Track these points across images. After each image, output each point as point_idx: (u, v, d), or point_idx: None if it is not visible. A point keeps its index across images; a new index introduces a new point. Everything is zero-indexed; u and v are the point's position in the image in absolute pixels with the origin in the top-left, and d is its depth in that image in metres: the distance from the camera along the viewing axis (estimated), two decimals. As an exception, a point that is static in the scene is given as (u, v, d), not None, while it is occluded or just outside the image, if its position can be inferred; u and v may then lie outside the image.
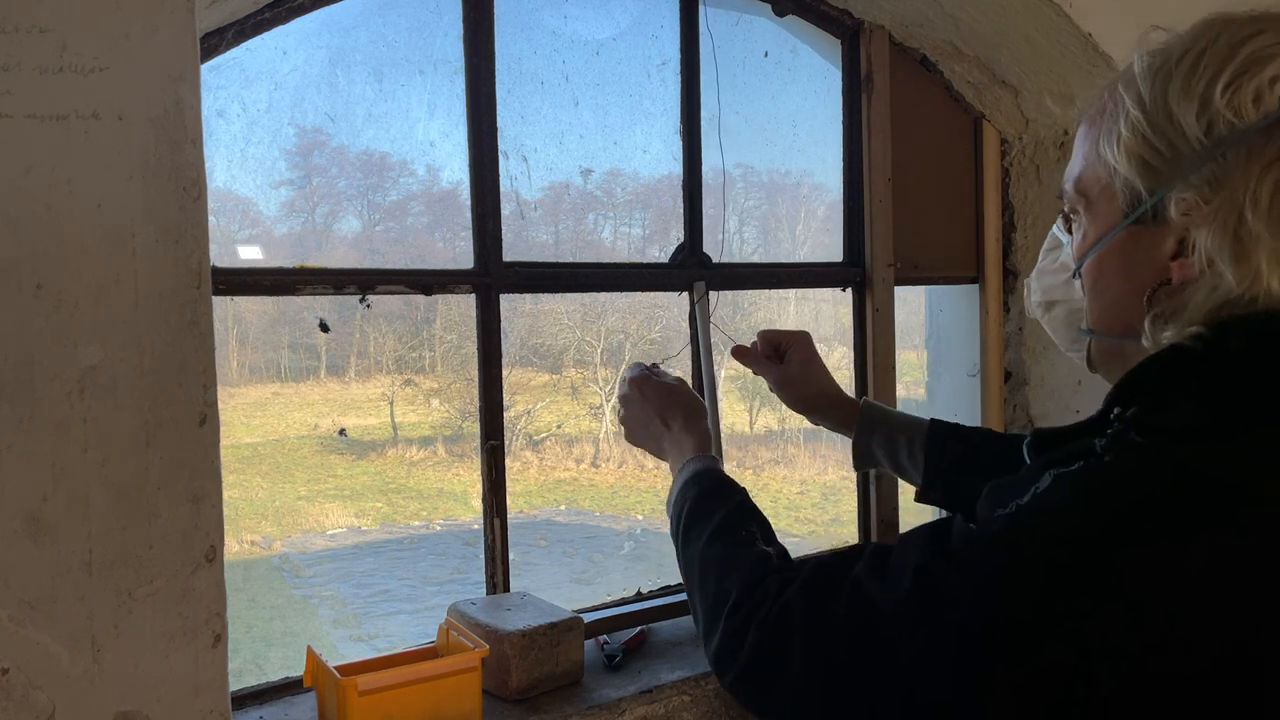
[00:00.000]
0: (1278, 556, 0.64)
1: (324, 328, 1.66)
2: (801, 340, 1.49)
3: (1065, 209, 0.90)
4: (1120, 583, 0.65)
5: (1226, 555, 0.64)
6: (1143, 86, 0.77)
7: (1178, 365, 0.74)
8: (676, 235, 1.96)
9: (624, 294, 1.93)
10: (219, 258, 1.36)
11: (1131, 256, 0.81)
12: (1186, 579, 0.64)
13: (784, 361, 1.48)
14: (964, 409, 2.39)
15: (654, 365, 1.43)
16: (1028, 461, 0.83)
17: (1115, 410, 0.75)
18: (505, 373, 1.75)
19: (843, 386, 1.49)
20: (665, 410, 1.30)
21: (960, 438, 1.34)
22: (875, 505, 2.17)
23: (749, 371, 1.54)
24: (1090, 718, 0.66)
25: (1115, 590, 0.65)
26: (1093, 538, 0.66)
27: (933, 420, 1.38)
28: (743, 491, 1.12)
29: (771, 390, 1.51)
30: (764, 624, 0.86)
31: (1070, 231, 0.91)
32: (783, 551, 0.99)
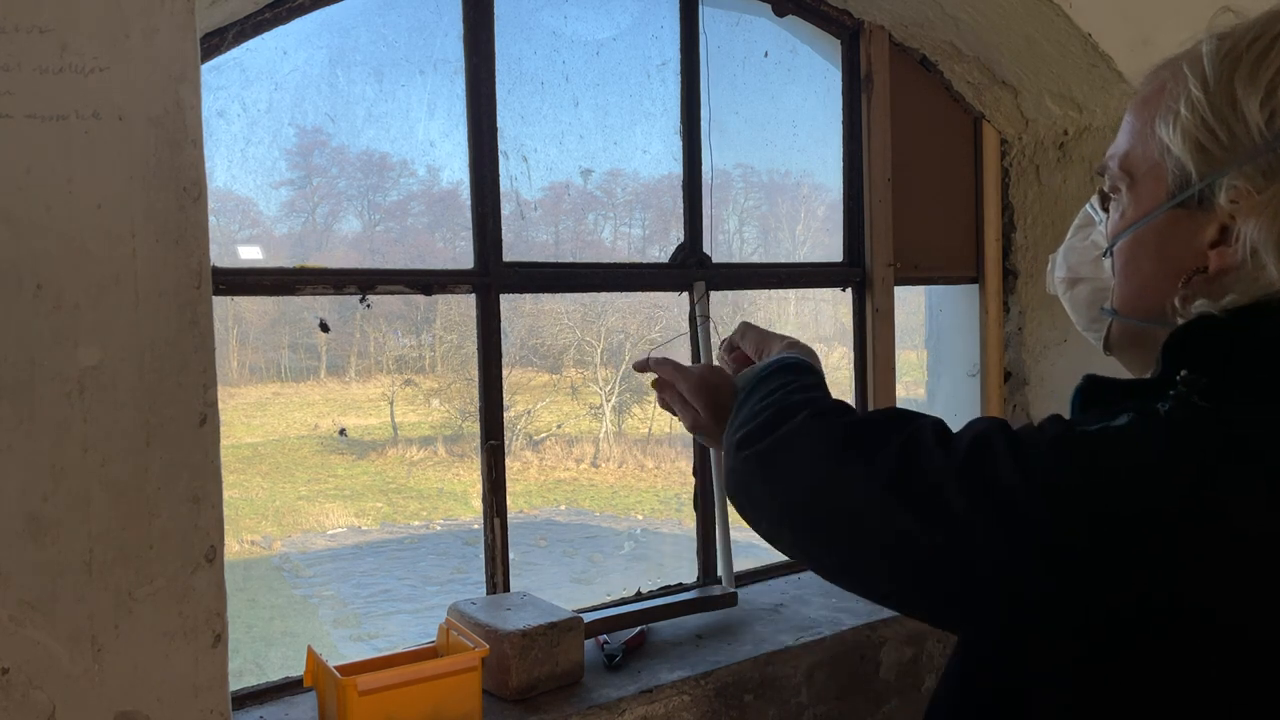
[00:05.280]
0: None
1: (324, 328, 1.66)
2: None
3: (1105, 186, 0.88)
4: (1175, 542, 0.64)
5: None
6: (1209, 68, 0.76)
7: (1229, 335, 0.73)
8: (676, 235, 1.96)
9: (624, 294, 1.93)
10: (219, 258, 1.36)
11: (1170, 240, 0.79)
12: (1245, 542, 0.64)
13: None
14: (964, 409, 2.39)
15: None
16: (1072, 407, 0.81)
17: (1182, 374, 0.73)
18: (505, 373, 1.75)
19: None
20: (700, 393, 1.15)
21: None
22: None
23: None
24: (1110, 647, 0.66)
25: (1168, 547, 0.64)
26: (1155, 493, 0.65)
27: None
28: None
29: None
30: (815, 418, 0.84)
31: (1106, 210, 0.89)
32: None
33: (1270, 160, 0.72)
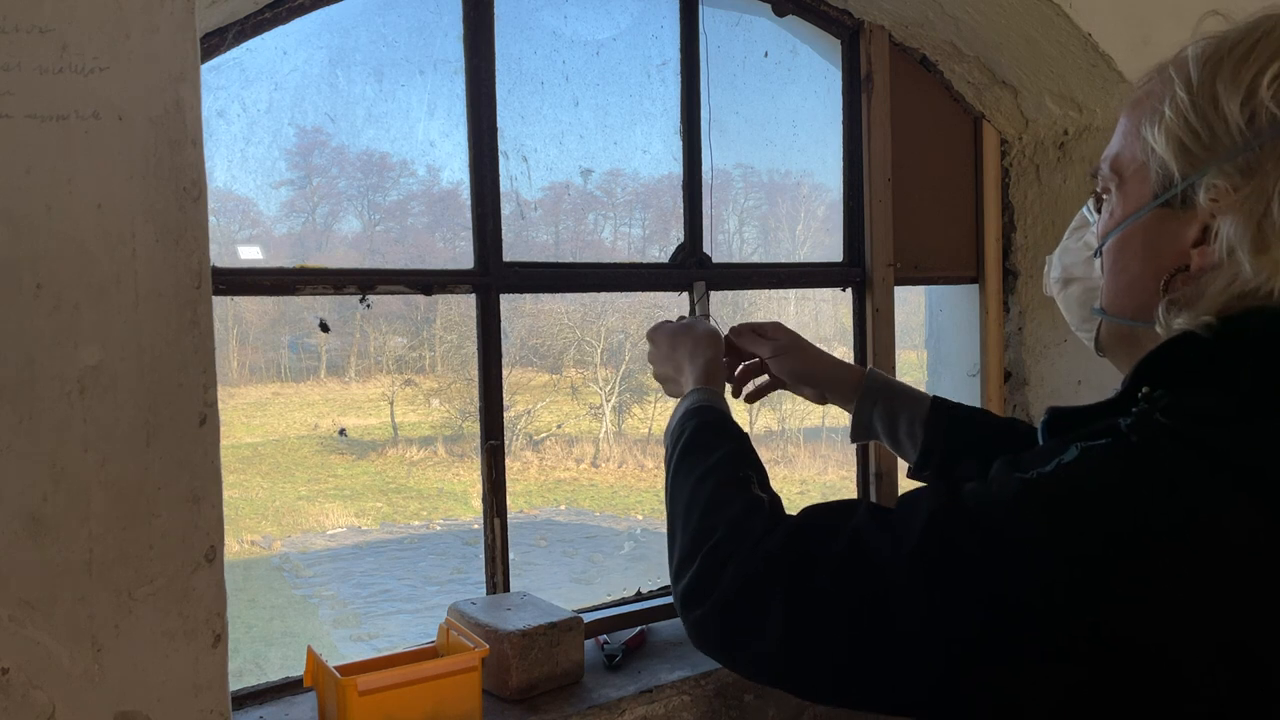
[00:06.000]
0: None
1: (324, 328, 1.66)
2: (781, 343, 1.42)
3: (1098, 188, 0.89)
4: (1148, 566, 0.64)
5: (1256, 538, 0.63)
6: (1193, 70, 0.77)
7: (1199, 350, 0.73)
8: (676, 235, 1.96)
9: (624, 294, 1.93)
10: (219, 258, 1.36)
11: (1155, 239, 0.80)
12: (1212, 563, 0.64)
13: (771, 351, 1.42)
14: (964, 409, 2.39)
15: (681, 317, 1.46)
16: (1041, 440, 0.82)
17: (1143, 390, 0.73)
18: (505, 373, 1.75)
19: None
20: (677, 342, 1.33)
21: (960, 420, 1.32)
22: (875, 505, 2.17)
23: None
24: (1095, 698, 0.65)
25: (1141, 573, 0.64)
26: (1122, 519, 0.65)
27: (934, 399, 1.34)
28: (744, 435, 1.09)
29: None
30: (745, 563, 0.83)
31: (1099, 211, 0.90)
32: (776, 500, 0.95)
33: (1249, 158, 0.72)
